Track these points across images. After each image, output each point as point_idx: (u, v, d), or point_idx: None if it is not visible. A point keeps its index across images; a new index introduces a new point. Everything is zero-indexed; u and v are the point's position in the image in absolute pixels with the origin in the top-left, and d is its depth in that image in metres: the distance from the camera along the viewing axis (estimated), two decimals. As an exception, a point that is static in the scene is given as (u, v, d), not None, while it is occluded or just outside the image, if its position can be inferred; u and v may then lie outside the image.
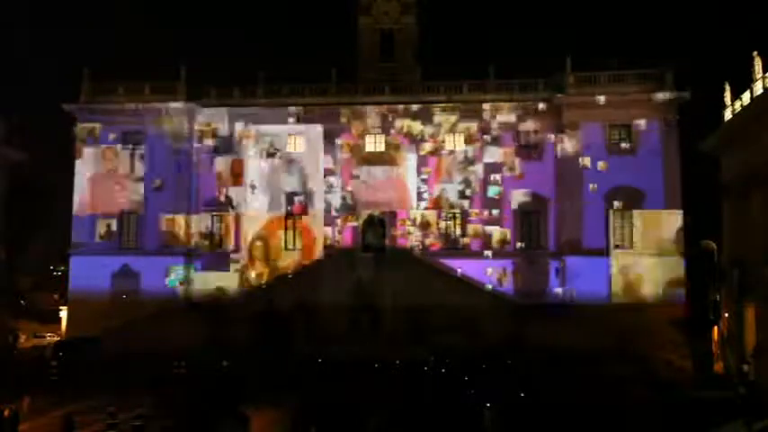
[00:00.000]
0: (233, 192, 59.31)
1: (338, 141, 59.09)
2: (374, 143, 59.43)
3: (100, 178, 58.80)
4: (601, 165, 55.36)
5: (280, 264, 58.01)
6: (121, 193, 58.32)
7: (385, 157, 58.76)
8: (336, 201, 58.82)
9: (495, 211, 57.24)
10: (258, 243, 58.73)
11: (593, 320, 49.99)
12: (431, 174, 58.36)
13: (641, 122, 55.95)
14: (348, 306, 52.31)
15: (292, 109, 58.90)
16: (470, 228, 57.89)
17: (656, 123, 55.61)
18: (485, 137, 58.08)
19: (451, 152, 58.57)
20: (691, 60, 64.79)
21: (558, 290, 55.60)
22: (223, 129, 59.49)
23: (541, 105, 57.53)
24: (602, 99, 55.86)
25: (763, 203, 41.88)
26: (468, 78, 59.22)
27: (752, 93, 43.16)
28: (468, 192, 58.01)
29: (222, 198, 59.36)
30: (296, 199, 59.01)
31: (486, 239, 57.34)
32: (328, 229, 58.44)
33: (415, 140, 58.60)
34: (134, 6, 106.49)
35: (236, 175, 59.32)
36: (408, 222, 58.06)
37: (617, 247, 55.54)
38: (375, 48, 62.28)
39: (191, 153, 59.52)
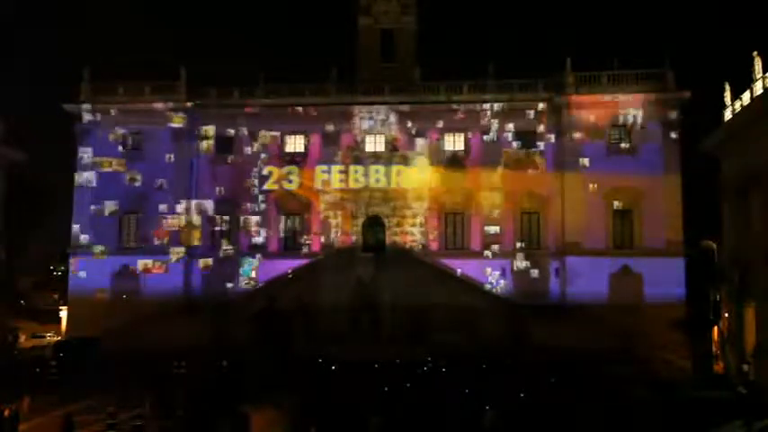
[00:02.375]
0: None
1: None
2: (374, 143, 59.43)
3: (100, 178, 58.67)
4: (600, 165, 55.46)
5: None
6: (122, 193, 58.18)
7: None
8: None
9: (494, 212, 57.18)
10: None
11: (593, 320, 49.99)
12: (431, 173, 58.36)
13: (641, 122, 55.93)
14: (348, 306, 52.35)
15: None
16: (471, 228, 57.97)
17: (657, 123, 55.59)
18: (484, 137, 58.04)
19: (452, 151, 58.67)
20: (691, 60, 65.01)
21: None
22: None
23: (541, 105, 57.50)
24: (601, 100, 55.88)
25: (762, 203, 41.90)
26: (468, 78, 59.21)
27: (752, 93, 43.19)
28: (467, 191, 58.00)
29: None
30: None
31: (485, 239, 57.28)
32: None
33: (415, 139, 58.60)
34: (134, 6, 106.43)
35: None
36: (409, 222, 58.02)
37: (617, 247, 55.55)
38: (375, 48, 62.23)
39: (191, 153, 59.59)
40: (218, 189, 59.08)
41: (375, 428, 24.42)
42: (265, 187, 58.96)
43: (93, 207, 58.08)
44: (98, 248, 57.48)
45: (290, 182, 59.09)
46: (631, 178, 55.02)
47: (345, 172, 58.75)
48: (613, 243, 55.64)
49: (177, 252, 57.56)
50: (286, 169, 59.15)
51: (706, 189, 52.17)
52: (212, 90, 60.20)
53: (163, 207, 57.89)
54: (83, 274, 57.77)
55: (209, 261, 57.96)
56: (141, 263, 57.54)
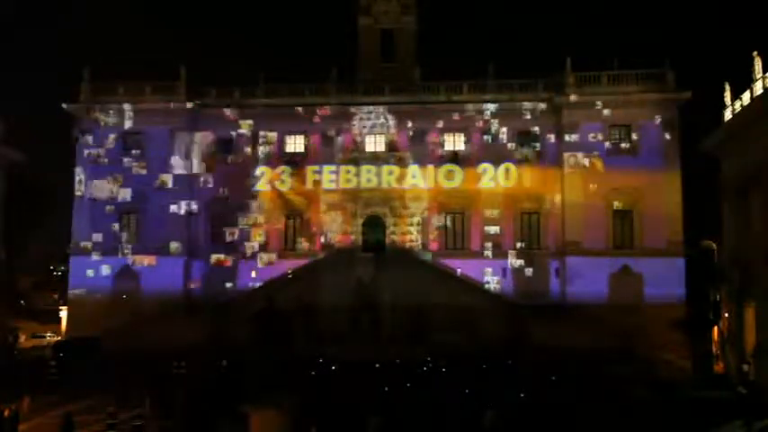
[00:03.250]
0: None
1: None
2: (374, 143, 59.41)
3: (100, 178, 58.62)
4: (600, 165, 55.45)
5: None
6: (122, 194, 58.12)
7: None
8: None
9: (494, 212, 57.16)
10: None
11: (593, 320, 49.99)
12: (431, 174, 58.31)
13: (641, 122, 55.94)
14: (348, 306, 52.26)
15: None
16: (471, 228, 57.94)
17: (657, 123, 55.57)
18: (484, 137, 58.02)
19: (452, 151, 58.65)
20: (691, 60, 65.03)
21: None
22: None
23: (541, 105, 57.48)
24: (602, 100, 55.87)
25: (762, 203, 41.91)
26: (468, 78, 59.19)
27: (752, 93, 43.21)
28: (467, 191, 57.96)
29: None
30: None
31: (485, 239, 57.22)
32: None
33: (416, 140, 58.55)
34: (134, 6, 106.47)
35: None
36: (408, 222, 58.01)
37: (617, 247, 55.52)
38: (375, 48, 62.21)
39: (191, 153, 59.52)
40: (218, 189, 59.00)
41: (375, 428, 24.40)
42: (257, 187, 58.68)
43: (92, 207, 58.03)
44: (98, 248, 57.52)
45: (284, 182, 58.75)
46: (631, 178, 54.96)
47: (339, 172, 58.55)
48: (613, 243, 55.59)
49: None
50: (281, 169, 58.96)
51: (706, 189, 52.21)
52: (212, 90, 60.17)
53: (163, 207, 57.84)
54: (83, 273, 57.76)
55: None
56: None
